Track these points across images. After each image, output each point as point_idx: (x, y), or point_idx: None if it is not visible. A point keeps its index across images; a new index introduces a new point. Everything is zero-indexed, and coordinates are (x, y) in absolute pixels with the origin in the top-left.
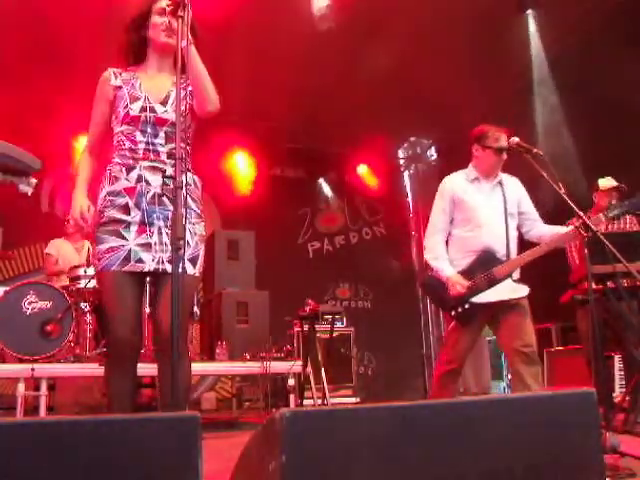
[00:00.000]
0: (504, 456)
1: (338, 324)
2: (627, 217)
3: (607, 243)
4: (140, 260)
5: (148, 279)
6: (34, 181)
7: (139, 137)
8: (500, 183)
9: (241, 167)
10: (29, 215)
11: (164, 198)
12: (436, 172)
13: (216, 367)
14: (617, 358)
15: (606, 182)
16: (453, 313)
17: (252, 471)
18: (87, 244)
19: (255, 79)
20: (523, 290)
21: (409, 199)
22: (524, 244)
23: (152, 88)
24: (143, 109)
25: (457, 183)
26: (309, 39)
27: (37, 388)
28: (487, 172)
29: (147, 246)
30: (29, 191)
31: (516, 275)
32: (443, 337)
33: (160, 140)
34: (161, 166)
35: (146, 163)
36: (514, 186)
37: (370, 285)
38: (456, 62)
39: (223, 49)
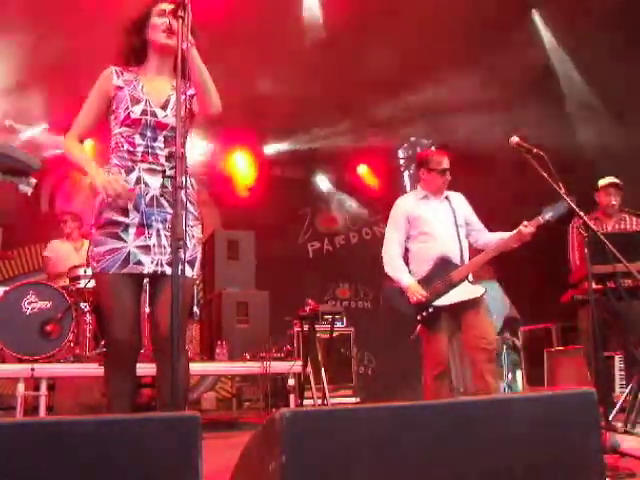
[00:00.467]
0: (504, 456)
1: (338, 324)
2: (633, 218)
3: (607, 243)
4: (139, 262)
5: (146, 280)
6: (34, 181)
7: (138, 140)
8: (447, 198)
9: (241, 167)
10: (29, 215)
11: (163, 200)
12: None
13: (216, 367)
14: (617, 358)
15: (603, 180)
16: (419, 318)
17: (252, 471)
18: (87, 243)
19: (255, 79)
20: (479, 290)
21: None
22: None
23: (152, 91)
24: (144, 112)
25: (409, 203)
26: (309, 38)
27: (37, 388)
28: (434, 191)
29: (146, 248)
30: (29, 191)
31: (471, 277)
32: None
33: (159, 144)
34: (160, 168)
35: (145, 165)
36: (459, 201)
37: (370, 285)
38: (456, 62)
39: (223, 48)
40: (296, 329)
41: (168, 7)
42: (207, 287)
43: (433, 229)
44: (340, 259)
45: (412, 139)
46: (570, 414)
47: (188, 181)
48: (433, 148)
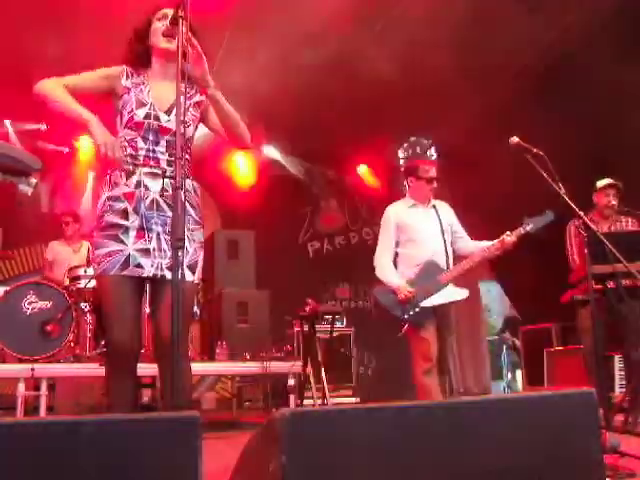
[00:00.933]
0: (504, 456)
1: (338, 324)
2: (629, 219)
3: (607, 243)
4: (139, 265)
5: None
6: (34, 181)
7: (140, 144)
8: (434, 207)
9: (241, 167)
10: (29, 215)
11: (163, 204)
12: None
13: (216, 367)
14: (617, 358)
15: (602, 181)
16: (406, 316)
17: (252, 471)
18: (86, 244)
19: (255, 79)
20: (464, 293)
21: None
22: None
23: (158, 96)
24: (147, 116)
25: (399, 211)
26: (309, 39)
27: (37, 388)
28: (422, 199)
29: (146, 252)
30: (29, 191)
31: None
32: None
33: (161, 148)
34: (161, 172)
35: (146, 169)
36: (445, 209)
37: (370, 285)
38: (456, 62)
39: (223, 48)
40: (296, 329)
41: (169, 12)
42: (207, 287)
43: (421, 236)
44: (340, 259)
45: (412, 139)
46: (570, 414)
47: (190, 185)
48: (433, 148)
